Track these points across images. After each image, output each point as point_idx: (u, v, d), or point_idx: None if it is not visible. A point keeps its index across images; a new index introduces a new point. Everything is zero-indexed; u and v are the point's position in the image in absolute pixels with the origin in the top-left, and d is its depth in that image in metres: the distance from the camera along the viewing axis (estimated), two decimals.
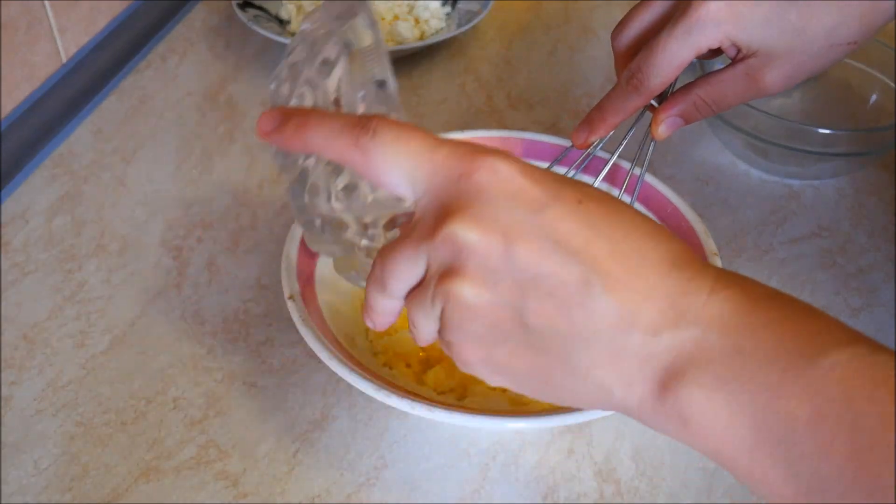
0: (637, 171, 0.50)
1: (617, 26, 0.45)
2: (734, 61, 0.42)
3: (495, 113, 0.75)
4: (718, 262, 0.49)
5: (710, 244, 0.50)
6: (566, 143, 0.55)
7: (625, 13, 0.47)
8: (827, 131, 0.62)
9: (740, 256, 0.60)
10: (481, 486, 0.46)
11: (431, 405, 0.40)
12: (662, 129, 0.44)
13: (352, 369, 0.41)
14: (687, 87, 0.43)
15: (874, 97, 0.69)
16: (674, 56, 0.41)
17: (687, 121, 0.45)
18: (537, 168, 0.30)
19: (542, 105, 0.76)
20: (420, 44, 0.79)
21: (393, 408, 0.49)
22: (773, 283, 0.58)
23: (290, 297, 0.45)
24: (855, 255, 0.61)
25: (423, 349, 0.49)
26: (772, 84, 0.42)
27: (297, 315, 0.44)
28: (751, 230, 0.63)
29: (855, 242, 0.62)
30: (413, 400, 0.40)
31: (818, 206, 0.66)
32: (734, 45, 0.41)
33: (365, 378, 0.41)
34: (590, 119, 0.46)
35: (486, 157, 0.29)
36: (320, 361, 0.52)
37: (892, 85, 0.68)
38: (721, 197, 0.66)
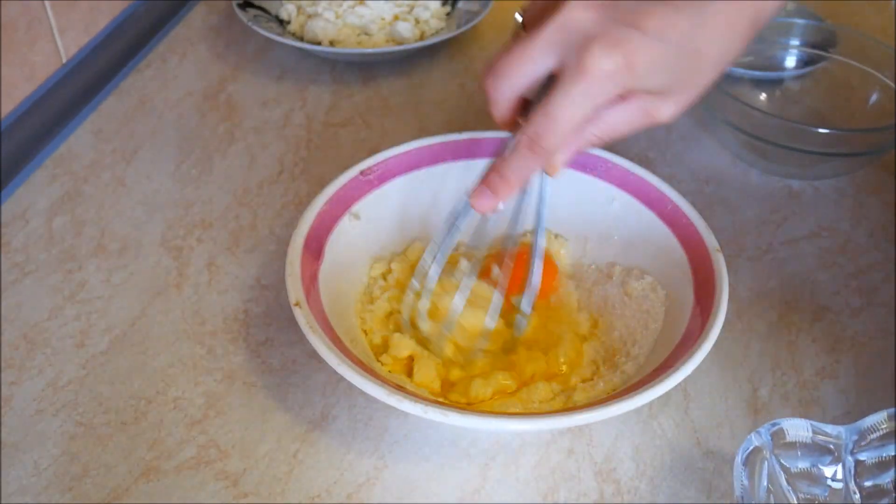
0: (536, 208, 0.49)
1: (494, 73, 0.41)
2: (626, 98, 0.40)
3: None
4: (721, 258, 0.49)
5: (711, 240, 0.50)
6: None
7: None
8: (827, 131, 0.62)
9: (740, 256, 0.60)
10: (481, 486, 0.46)
11: (446, 409, 0.40)
12: (558, 169, 0.43)
13: (363, 375, 0.41)
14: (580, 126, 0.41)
15: (874, 97, 0.69)
16: (574, 117, 0.39)
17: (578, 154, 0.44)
18: None
19: None
20: (420, 44, 0.79)
21: (393, 408, 0.49)
22: (774, 283, 0.59)
23: (297, 304, 0.44)
24: (855, 255, 0.61)
25: (444, 375, 0.49)
26: (669, 117, 0.41)
27: (305, 322, 0.44)
28: (751, 230, 0.63)
29: (855, 242, 0.62)
30: (427, 405, 0.40)
31: (818, 206, 0.66)
32: (630, 92, 0.40)
33: (377, 384, 0.41)
34: (491, 183, 0.43)
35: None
36: (320, 361, 0.52)
37: (892, 85, 0.68)
38: (721, 197, 0.66)
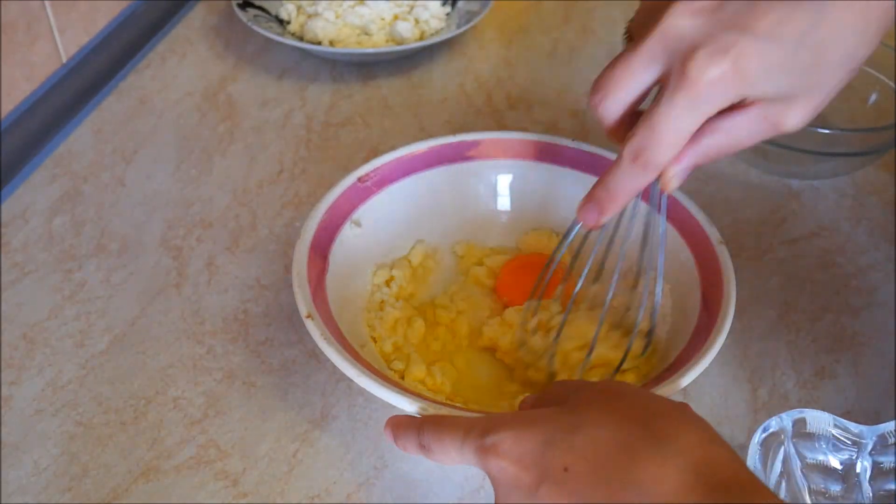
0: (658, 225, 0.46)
1: (598, 90, 0.39)
2: (745, 105, 0.37)
3: (495, 113, 0.75)
4: (725, 250, 0.49)
5: (714, 233, 0.50)
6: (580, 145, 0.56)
7: (630, 15, 0.42)
8: (827, 131, 0.62)
9: (740, 256, 0.60)
10: (481, 486, 0.46)
11: (468, 413, 0.40)
12: (674, 184, 0.40)
13: (382, 384, 0.41)
14: (696, 135, 0.38)
15: (874, 97, 0.69)
16: (680, 130, 0.37)
17: (699, 167, 0.41)
18: (531, 440, 0.33)
19: (541, 105, 0.76)
20: (420, 44, 0.79)
21: (393, 408, 0.49)
22: (773, 283, 0.59)
23: (308, 317, 0.44)
24: (855, 255, 0.61)
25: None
26: (793, 124, 0.38)
27: (319, 334, 0.43)
28: (751, 230, 0.63)
29: (855, 242, 0.62)
30: (454, 410, 0.40)
31: (818, 205, 0.66)
32: (745, 99, 0.37)
33: (397, 392, 0.41)
34: (597, 199, 0.41)
35: (489, 457, 0.34)
36: (319, 362, 0.52)
37: (892, 85, 0.68)
38: (721, 197, 0.66)
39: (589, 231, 0.46)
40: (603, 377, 0.48)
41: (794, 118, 0.38)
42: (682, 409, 0.34)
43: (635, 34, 0.39)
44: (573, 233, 0.46)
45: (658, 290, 0.45)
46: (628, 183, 0.39)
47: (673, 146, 0.37)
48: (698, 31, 0.35)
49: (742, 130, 0.38)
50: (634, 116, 0.39)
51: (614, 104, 0.39)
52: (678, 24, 0.35)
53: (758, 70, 0.35)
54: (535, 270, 0.51)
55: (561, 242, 0.47)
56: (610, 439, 0.32)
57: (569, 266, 0.49)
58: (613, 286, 0.45)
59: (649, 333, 0.47)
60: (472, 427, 0.36)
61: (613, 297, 0.46)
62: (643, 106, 0.39)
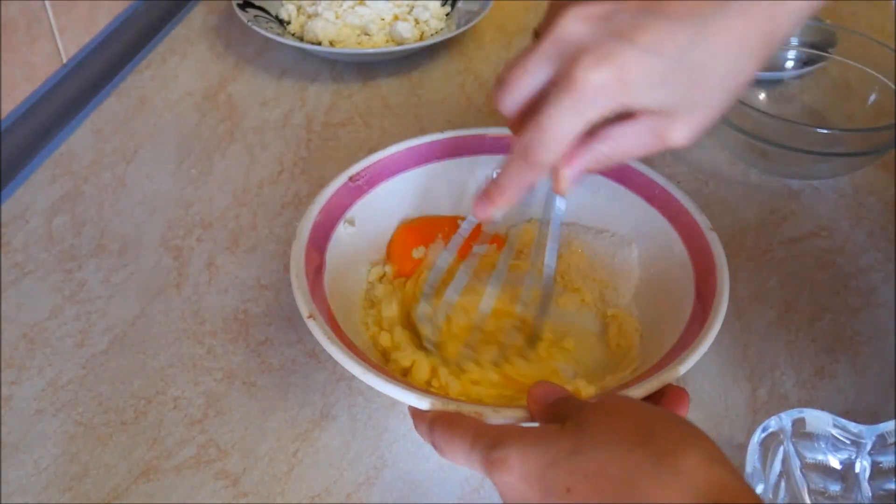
0: (550, 227, 0.49)
1: (499, 85, 0.41)
2: (633, 116, 0.39)
3: (495, 113, 0.75)
4: (716, 237, 0.49)
5: (703, 220, 0.50)
6: None
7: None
8: (826, 131, 0.62)
9: (740, 256, 0.60)
10: (481, 486, 0.46)
11: (482, 407, 0.40)
12: (565, 186, 0.42)
13: (388, 380, 0.41)
14: (587, 141, 0.40)
15: (874, 97, 0.69)
16: (564, 132, 0.38)
17: (589, 172, 0.43)
18: (536, 460, 0.33)
19: None
20: (420, 44, 0.79)
21: (393, 408, 0.49)
22: (773, 283, 0.59)
23: (310, 317, 0.44)
24: (855, 255, 0.61)
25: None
26: (680, 139, 0.39)
27: (322, 334, 0.43)
28: (750, 230, 0.63)
29: (854, 242, 0.62)
30: (464, 405, 0.40)
31: (817, 206, 0.66)
32: (629, 108, 0.38)
33: (404, 388, 0.41)
34: (488, 193, 0.43)
35: (495, 471, 0.34)
36: (319, 361, 0.52)
37: (892, 85, 0.68)
38: (721, 197, 0.66)
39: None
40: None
41: (679, 133, 0.39)
42: (684, 425, 0.34)
43: (542, 33, 0.40)
44: (468, 226, 0.48)
45: (551, 260, 0.48)
46: (516, 178, 0.41)
47: (558, 146, 0.39)
48: (587, 36, 0.37)
49: (630, 139, 0.39)
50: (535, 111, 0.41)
51: (511, 99, 0.41)
52: (570, 28, 0.37)
53: (639, 80, 0.36)
54: (424, 234, 0.52)
55: (456, 235, 0.49)
56: (612, 461, 0.32)
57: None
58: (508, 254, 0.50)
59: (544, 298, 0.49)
60: (481, 436, 0.36)
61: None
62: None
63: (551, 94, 0.38)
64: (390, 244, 0.55)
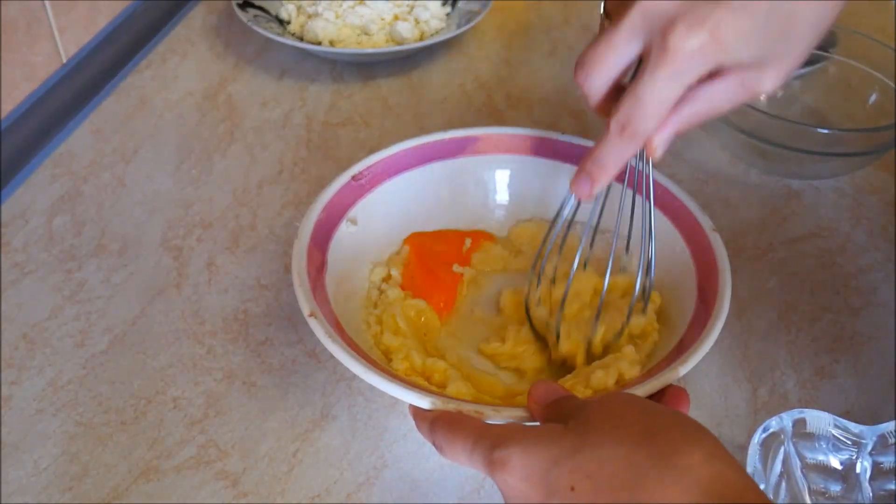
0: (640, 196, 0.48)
1: (582, 67, 0.41)
2: (722, 73, 0.40)
3: (495, 113, 0.75)
4: (718, 238, 0.49)
5: (706, 221, 0.50)
6: (573, 139, 0.56)
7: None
8: (827, 131, 0.62)
9: (740, 256, 0.60)
10: (481, 486, 0.46)
11: (482, 406, 0.40)
12: (659, 151, 0.42)
13: (390, 380, 0.41)
14: (677, 104, 0.40)
15: (874, 97, 0.69)
16: (664, 100, 0.39)
17: (679, 133, 0.44)
18: (538, 460, 0.33)
19: (541, 105, 0.76)
20: (420, 44, 0.79)
21: (393, 408, 0.49)
22: (773, 283, 0.59)
23: (311, 315, 0.44)
24: (855, 255, 0.61)
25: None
26: (769, 88, 0.40)
27: (323, 332, 0.43)
28: (751, 230, 0.63)
29: (855, 242, 0.62)
30: (476, 405, 0.40)
31: (818, 206, 0.66)
32: (721, 66, 0.39)
33: (405, 387, 0.41)
34: (588, 171, 0.43)
35: (498, 471, 0.34)
36: (320, 361, 0.52)
37: (892, 85, 0.68)
38: (721, 197, 0.66)
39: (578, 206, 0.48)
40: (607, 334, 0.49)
41: (768, 82, 0.40)
42: (687, 422, 0.34)
43: (612, 13, 0.41)
44: (568, 206, 0.48)
45: (652, 249, 0.47)
46: (616, 153, 0.42)
47: (657, 116, 0.39)
48: (675, 5, 0.37)
49: (721, 97, 0.40)
50: (618, 91, 0.41)
51: (599, 80, 0.41)
52: None
53: (733, 38, 0.37)
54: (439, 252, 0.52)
55: (557, 214, 0.48)
56: (614, 459, 0.32)
57: (561, 241, 0.50)
58: (614, 248, 0.48)
59: (645, 290, 0.49)
60: (482, 436, 0.36)
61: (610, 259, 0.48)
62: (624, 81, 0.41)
63: (647, 66, 0.38)
64: (408, 267, 0.54)
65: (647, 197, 0.47)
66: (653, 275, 0.48)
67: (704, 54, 0.37)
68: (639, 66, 0.39)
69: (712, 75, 0.39)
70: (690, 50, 0.37)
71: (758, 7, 0.37)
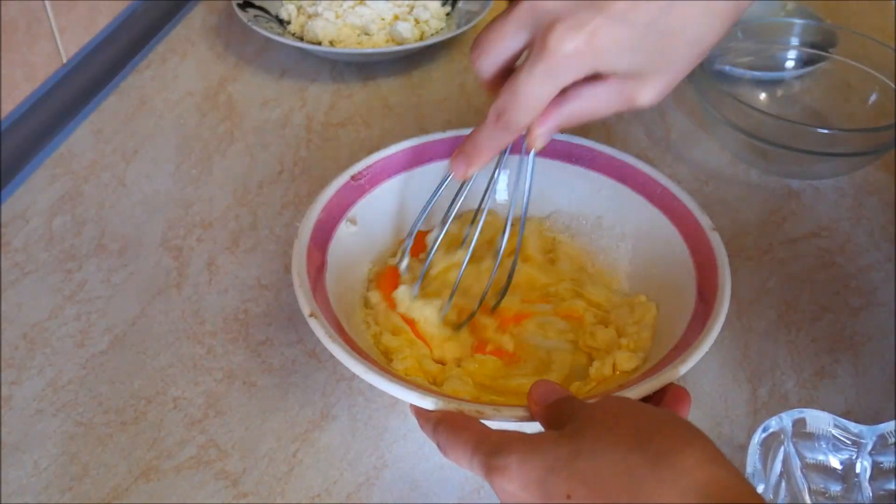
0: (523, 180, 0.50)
1: (475, 48, 0.43)
2: (603, 78, 0.41)
3: None
4: (717, 237, 0.49)
5: (705, 220, 0.50)
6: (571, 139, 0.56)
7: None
8: (827, 131, 0.62)
9: (740, 256, 0.60)
10: (481, 486, 0.46)
11: (483, 406, 0.40)
12: (539, 143, 0.44)
13: (390, 380, 0.41)
14: (558, 100, 0.42)
15: (874, 97, 0.69)
16: (537, 97, 0.40)
17: (560, 131, 0.45)
18: (535, 467, 0.33)
19: None
20: (420, 44, 0.79)
21: (393, 408, 0.49)
22: (773, 283, 0.59)
23: (312, 315, 0.44)
24: (855, 255, 0.61)
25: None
26: (647, 100, 0.41)
27: (323, 332, 0.43)
28: (751, 230, 0.63)
29: (855, 242, 0.62)
30: (475, 405, 0.40)
31: (818, 205, 0.66)
32: (599, 72, 0.40)
33: (405, 387, 0.40)
34: (466, 152, 0.45)
35: (496, 478, 0.35)
36: (320, 361, 0.52)
37: (892, 85, 0.68)
38: (721, 197, 0.66)
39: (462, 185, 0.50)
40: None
41: (646, 94, 0.41)
42: (682, 425, 0.34)
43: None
44: (444, 183, 0.50)
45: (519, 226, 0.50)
46: (492, 140, 0.44)
47: (532, 109, 0.41)
48: (559, 5, 0.38)
49: (599, 100, 0.41)
50: (508, 73, 0.42)
51: (487, 63, 0.43)
52: None
53: (610, 47, 0.38)
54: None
55: (434, 192, 0.50)
56: (611, 464, 0.32)
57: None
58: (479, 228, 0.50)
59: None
60: (482, 441, 0.36)
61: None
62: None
63: (526, 60, 0.40)
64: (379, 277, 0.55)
65: (527, 189, 0.49)
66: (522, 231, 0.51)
67: (580, 58, 0.38)
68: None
69: (594, 78, 0.40)
70: (566, 52, 0.38)
71: (637, 19, 0.38)
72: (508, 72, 0.43)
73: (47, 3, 0.68)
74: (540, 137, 0.44)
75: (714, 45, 0.41)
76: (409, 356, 0.48)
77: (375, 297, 0.52)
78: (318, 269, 0.48)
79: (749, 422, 0.49)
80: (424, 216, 0.51)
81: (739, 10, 0.40)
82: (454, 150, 0.56)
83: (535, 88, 0.40)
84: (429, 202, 0.51)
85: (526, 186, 0.49)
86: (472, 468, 0.37)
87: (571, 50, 0.38)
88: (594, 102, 0.42)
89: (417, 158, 0.56)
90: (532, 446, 0.34)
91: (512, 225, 0.50)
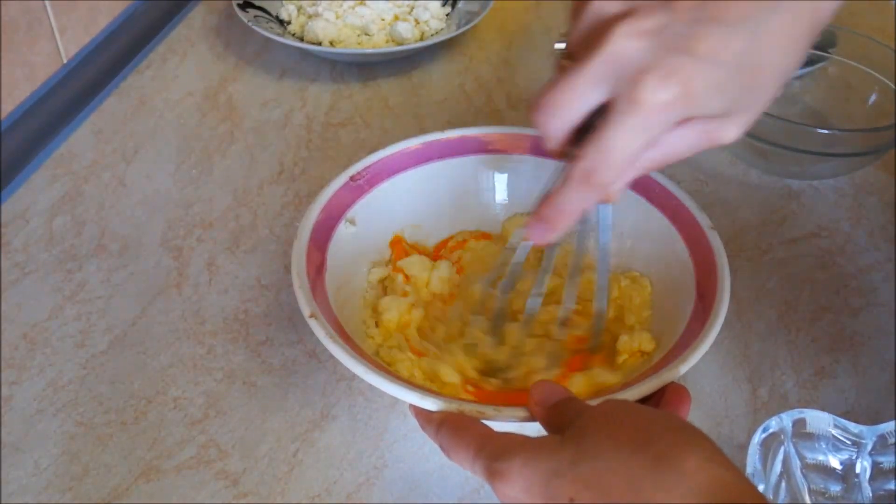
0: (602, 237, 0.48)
1: (542, 109, 0.39)
2: (686, 121, 0.38)
3: (495, 113, 0.75)
4: (716, 236, 0.49)
5: (704, 218, 0.50)
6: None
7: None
8: (827, 131, 0.62)
9: (740, 256, 0.60)
10: (481, 486, 0.46)
11: (484, 406, 0.40)
12: (616, 197, 0.41)
13: (390, 380, 0.41)
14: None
15: (874, 97, 0.69)
16: (630, 152, 0.37)
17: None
18: (538, 472, 0.33)
19: None
20: (420, 44, 0.79)
21: (393, 408, 0.49)
22: (773, 283, 0.59)
23: (312, 316, 0.44)
24: (855, 255, 0.61)
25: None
26: (732, 137, 0.39)
27: (323, 332, 0.43)
28: (751, 230, 0.63)
29: (855, 242, 0.62)
30: (480, 406, 0.40)
31: (817, 206, 0.66)
32: (689, 118, 0.38)
33: (405, 387, 0.40)
34: (546, 217, 0.41)
35: (498, 482, 0.35)
36: (320, 361, 0.52)
37: (892, 85, 0.68)
38: (721, 197, 0.66)
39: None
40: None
41: (731, 132, 0.39)
42: (683, 426, 0.34)
43: (575, 50, 0.39)
44: (521, 252, 0.48)
45: (603, 285, 0.49)
46: (577, 202, 0.40)
47: (622, 166, 0.38)
48: (644, 54, 0.35)
49: (682, 144, 0.39)
50: (576, 132, 0.39)
51: (560, 124, 0.39)
52: (624, 46, 0.36)
53: (703, 91, 0.36)
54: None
55: (504, 258, 0.49)
56: (612, 467, 0.32)
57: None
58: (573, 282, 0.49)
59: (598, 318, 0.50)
60: (485, 444, 0.36)
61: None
62: None
63: (614, 116, 0.37)
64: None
65: (604, 248, 0.47)
66: (601, 325, 0.50)
67: (675, 107, 0.36)
68: (605, 113, 0.38)
69: (679, 122, 0.38)
70: (661, 103, 0.35)
71: (726, 59, 0.36)
72: (576, 132, 0.40)
73: (47, 3, 0.68)
74: (618, 192, 0.40)
75: (794, 73, 0.39)
76: (393, 309, 0.49)
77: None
78: (317, 270, 0.48)
79: (749, 422, 0.49)
80: (505, 286, 0.50)
81: (815, 35, 0.39)
82: (452, 150, 0.57)
83: (627, 144, 0.37)
84: (508, 277, 0.49)
85: (603, 241, 0.47)
86: (474, 470, 0.37)
87: (667, 100, 0.35)
88: (678, 147, 0.39)
89: (417, 159, 0.56)
90: (534, 450, 0.34)
91: (581, 271, 0.49)
